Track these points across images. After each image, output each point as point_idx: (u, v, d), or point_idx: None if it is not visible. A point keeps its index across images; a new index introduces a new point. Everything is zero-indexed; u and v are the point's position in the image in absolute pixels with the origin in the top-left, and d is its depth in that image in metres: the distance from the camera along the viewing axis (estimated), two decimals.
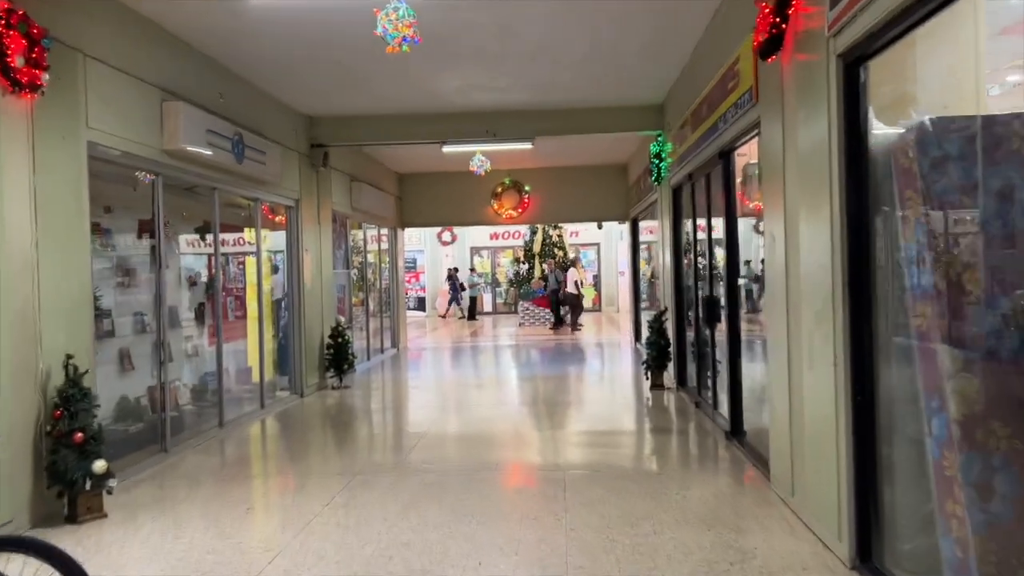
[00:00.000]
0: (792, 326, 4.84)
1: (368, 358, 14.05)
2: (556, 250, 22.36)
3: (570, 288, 20.91)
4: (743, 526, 4.72)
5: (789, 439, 4.96)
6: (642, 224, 15.60)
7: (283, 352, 10.60)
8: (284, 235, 10.42)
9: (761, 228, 6.40)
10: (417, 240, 28.23)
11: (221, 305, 8.37)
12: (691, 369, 9.72)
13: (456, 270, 26.94)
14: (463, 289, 26.69)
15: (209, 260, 8.49)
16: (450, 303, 26.84)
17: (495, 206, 16.59)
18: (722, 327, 7.50)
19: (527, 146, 11.12)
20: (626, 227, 27.56)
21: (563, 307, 21.03)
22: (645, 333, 15.54)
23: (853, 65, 3.89)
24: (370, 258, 14.84)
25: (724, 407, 7.48)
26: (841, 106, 3.96)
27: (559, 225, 22.71)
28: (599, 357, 15.32)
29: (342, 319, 11.45)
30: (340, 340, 11.07)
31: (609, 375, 12.46)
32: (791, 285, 4.85)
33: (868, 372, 3.93)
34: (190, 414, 8.17)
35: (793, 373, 4.87)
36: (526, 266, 22.38)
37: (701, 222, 8.42)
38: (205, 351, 8.86)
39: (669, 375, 10.12)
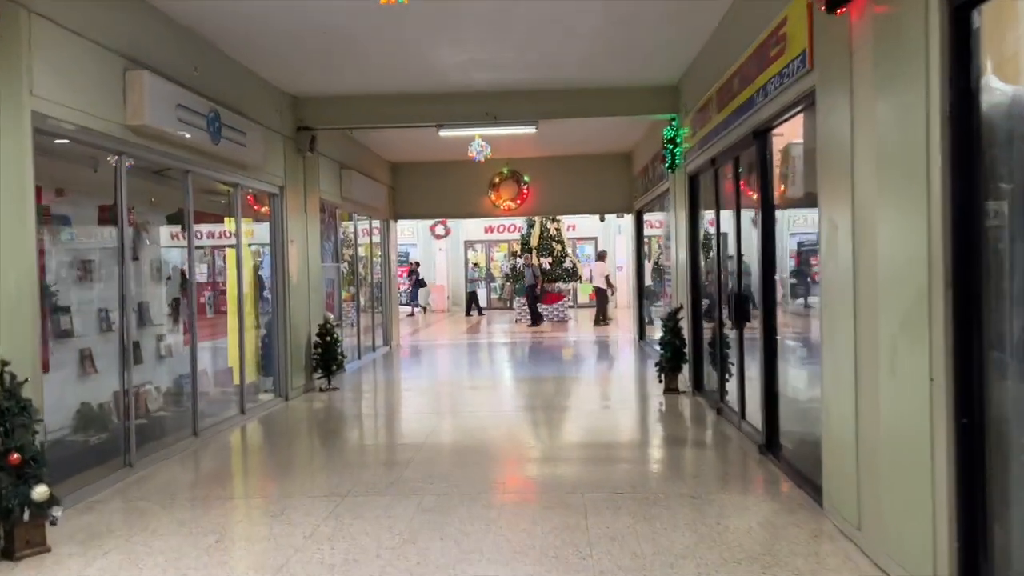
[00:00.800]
0: (862, 328, 4.09)
1: (359, 356, 13.26)
2: (554, 244, 21.59)
3: (598, 282, 20.58)
4: (803, 568, 3.98)
5: (854, 461, 4.22)
6: (647, 217, 14.86)
7: (267, 352, 9.81)
8: (268, 225, 9.62)
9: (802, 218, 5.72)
10: (410, 233, 27.40)
11: (195, 301, 7.55)
12: (708, 372, 8.98)
13: (418, 264, 26.35)
14: (422, 285, 26.07)
15: (188, 252, 7.68)
16: (411, 299, 25.64)
17: (492, 197, 15.79)
18: (753, 327, 6.76)
19: (530, 130, 10.35)
20: (626, 220, 26.98)
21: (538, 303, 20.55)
22: (651, 331, 14.88)
23: (963, 8, 3.13)
24: (361, 251, 14.04)
25: (754, 416, 6.74)
26: (946, 62, 3.20)
27: (557, 218, 21.94)
28: (602, 356, 14.58)
29: (331, 316, 10.66)
30: (328, 339, 10.28)
31: (616, 376, 11.72)
32: (861, 281, 4.09)
33: (976, 390, 3.19)
34: (161, 422, 7.36)
35: (862, 384, 4.12)
36: (522, 260, 21.60)
37: (727, 211, 7.68)
38: (181, 351, 8.08)
39: (684, 378, 9.38)
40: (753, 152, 6.32)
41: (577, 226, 25.90)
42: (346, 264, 13.03)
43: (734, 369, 7.19)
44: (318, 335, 10.29)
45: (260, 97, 8.96)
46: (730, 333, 7.58)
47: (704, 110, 7.97)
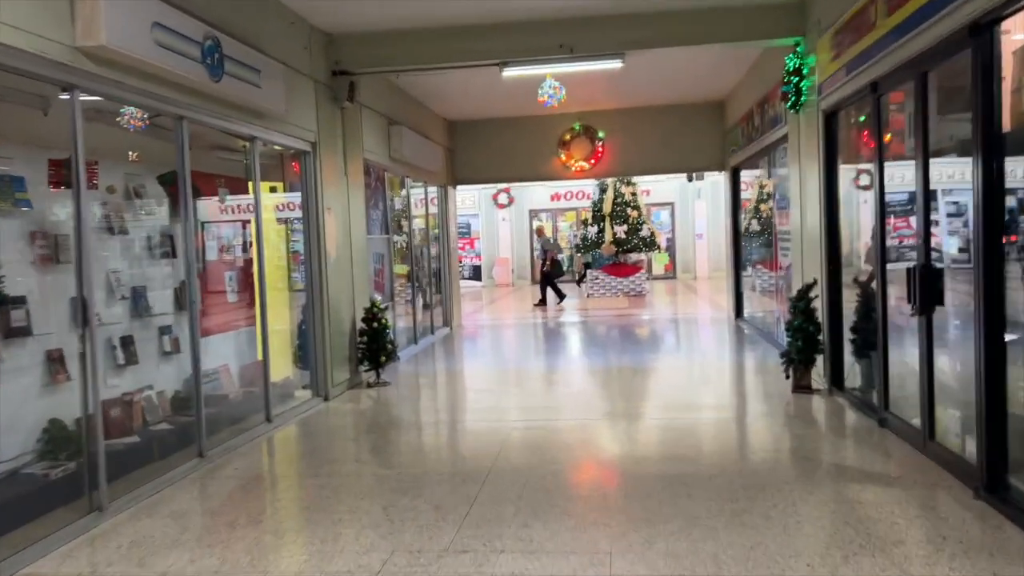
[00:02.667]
0: None
1: (416, 341, 11.64)
2: (630, 210, 19.54)
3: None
4: None
5: None
6: (745, 175, 12.74)
7: (304, 342, 8.24)
8: (299, 190, 7.98)
9: None
10: (471, 203, 25.71)
11: (194, 284, 5.94)
12: (852, 366, 7.00)
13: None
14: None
15: (184, 221, 6.07)
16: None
17: (563, 157, 13.89)
18: (947, 313, 4.79)
19: (616, 65, 8.38)
20: (706, 183, 24.67)
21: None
22: (749, 306, 12.84)
23: None
24: (416, 222, 12.36)
25: (949, 436, 4.79)
26: None
27: (631, 181, 19.86)
28: (695, 339, 12.61)
29: (378, 297, 8.99)
30: (376, 324, 8.62)
31: (721, 367, 9.74)
32: None
33: None
34: (159, 439, 5.83)
35: None
36: (595, 229, 19.65)
37: (897, 155, 5.66)
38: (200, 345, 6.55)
39: (818, 372, 7.41)
40: (967, 58, 4.28)
41: (652, 191, 23.75)
42: (400, 236, 11.37)
43: (920, 370, 5.19)
44: (364, 320, 8.66)
45: (282, 29, 7.26)
46: (905, 321, 5.59)
47: (859, 19, 5.90)
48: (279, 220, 8.19)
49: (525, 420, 6.95)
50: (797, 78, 7.71)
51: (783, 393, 7.33)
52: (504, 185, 25.17)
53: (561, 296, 17.67)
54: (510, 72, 8.44)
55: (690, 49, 9.21)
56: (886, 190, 5.84)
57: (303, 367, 8.25)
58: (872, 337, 6.36)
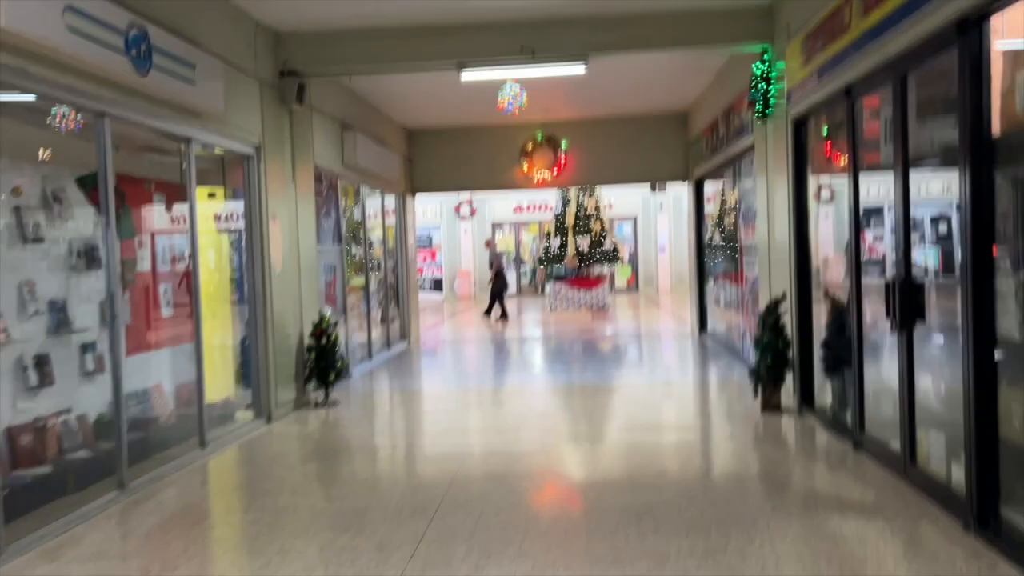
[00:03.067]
0: None
1: (370, 356, 11.13)
2: (593, 222, 19.26)
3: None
4: None
5: None
6: (709, 186, 12.51)
7: (247, 359, 7.71)
8: (241, 196, 7.48)
9: None
10: (432, 214, 25.26)
11: (118, 296, 5.41)
12: (822, 384, 6.71)
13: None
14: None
15: (105, 228, 5.54)
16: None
17: (525, 167, 13.53)
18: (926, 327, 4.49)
19: (579, 69, 8.03)
20: (668, 196, 24.50)
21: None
22: (713, 320, 12.58)
23: None
24: (373, 232, 11.87)
25: (941, 465, 4.48)
26: None
27: (594, 193, 19.60)
28: (659, 354, 12.30)
29: (329, 311, 8.50)
30: (326, 341, 8.13)
31: (686, 384, 9.43)
32: None
33: None
34: (75, 469, 5.27)
35: None
36: (557, 241, 19.32)
37: (873, 163, 5.38)
38: (123, 364, 6.02)
39: (787, 390, 7.11)
40: (952, 58, 3.99)
41: (615, 204, 23.53)
42: (353, 246, 10.88)
43: (899, 390, 4.88)
44: (312, 336, 8.16)
45: (223, 24, 6.77)
46: (882, 337, 5.31)
47: (832, 21, 5.63)
48: (222, 229, 7.67)
49: (483, 444, 6.52)
50: (765, 85, 7.45)
51: (751, 412, 7.01)
52: (467, 196, 24.79)
53: (504, 315, 17.35)
54: (469, 75, 8.05)
55: (655, 57, 8.98)
56: (860, 200, 5.56)
57: (246, 386, 7.72)
58: (844, 354, 6.06)
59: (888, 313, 4.77)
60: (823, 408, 6.66)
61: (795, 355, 6.95)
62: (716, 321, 12.26)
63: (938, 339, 4.77)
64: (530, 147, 13.49)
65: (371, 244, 11.71)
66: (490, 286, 17.56)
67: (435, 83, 10.09)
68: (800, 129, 6.86)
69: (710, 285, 12.60)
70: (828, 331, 6.54)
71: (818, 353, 6.76)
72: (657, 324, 16.08)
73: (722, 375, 9.31)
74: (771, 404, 6.97)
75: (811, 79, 6.21)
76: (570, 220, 19.23)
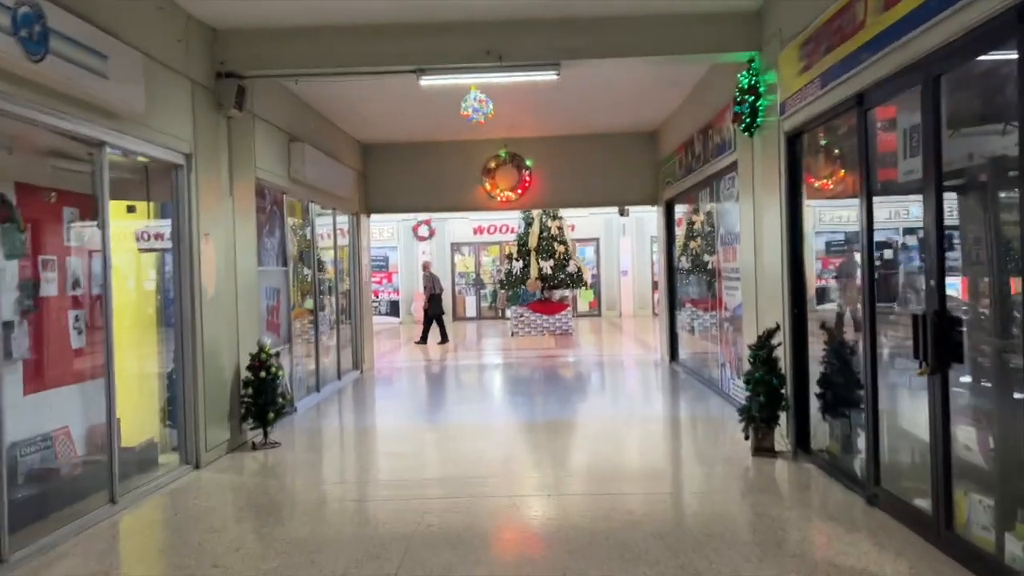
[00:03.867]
0: None
1: (318, 388, 10.21)
2: (556, 244, 18.60)
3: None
4: None
5: None
6: (681, 209, 11.91)
7: (174, 395, 6.78)
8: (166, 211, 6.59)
9: None
10: (389, 235, 24.38)
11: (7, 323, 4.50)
12: (818, 424, 6.05)
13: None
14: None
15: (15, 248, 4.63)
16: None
17: (487, 186, 12.81)
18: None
19: (550, 77, 7.32)
20: (632, 220, 23.98)
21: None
22: (684, 349, 11.91)
23: None
24: (324, 253, 11.00)
25: (986, 533, 3.80)
26: None
27: (558, 215, 18.97)
28: (630, 386, 11.59)
29: (268, 341, 7.59)
30: (265, 374, 7.23)
31: (663, 420, 8.71)
32: None
33: None
34: None
35: None
36: (520, 264, 18.61)
37: (891, 180, 4.75)
38: (21, 404, 5.12)
39: (780, 432, 6.42)
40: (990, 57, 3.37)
41: (577, 227, 22.93)
42: (300, 268, 9.99)
43: (932, 442, 4.19)
44: (249, 368, 7.26)
45: (146, 12, 5.92)
46: (899, 376, 4.65)
47: (840, 20, 5.02)
48: (147, 248, 6.75)
49: (443, 497, 5.68)
50: (752, 97, 6.84)
51: (741, 456, 6.31)
52: (425, 216, 23.98)
53: (444, 339, 16.73)
54: (428, 81, 7.29)
55: (629, 68, 8.37)
56: (873, 220, 4.92)
57: (173, 425, 6.78)
58: (849, 393, 5.41)
59: (917, 353, 4.10)
60: (822, 453, 5.99)
61: (790, 392, 6.29)
62: (688, 349, 11.62)
63: (979, 380, 4.12)
64: (493, 165, 12.79)
65: (322, 266, 10.83)
66: (423, 312, 17.02)
67: (392, 91, 9.34)
68: (794, 144, 6.25)
69: (681, 312, 11.97)
70: (827, 366, 5.89)
71: (815, 390, 6.11)
72: (624, 351, 15.40)
73: (699, 409, 8.62)
74: (763, 447, 6.27)
75: (811, 87, 5.59)
76: (533, 242, 18.53)
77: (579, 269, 18.85)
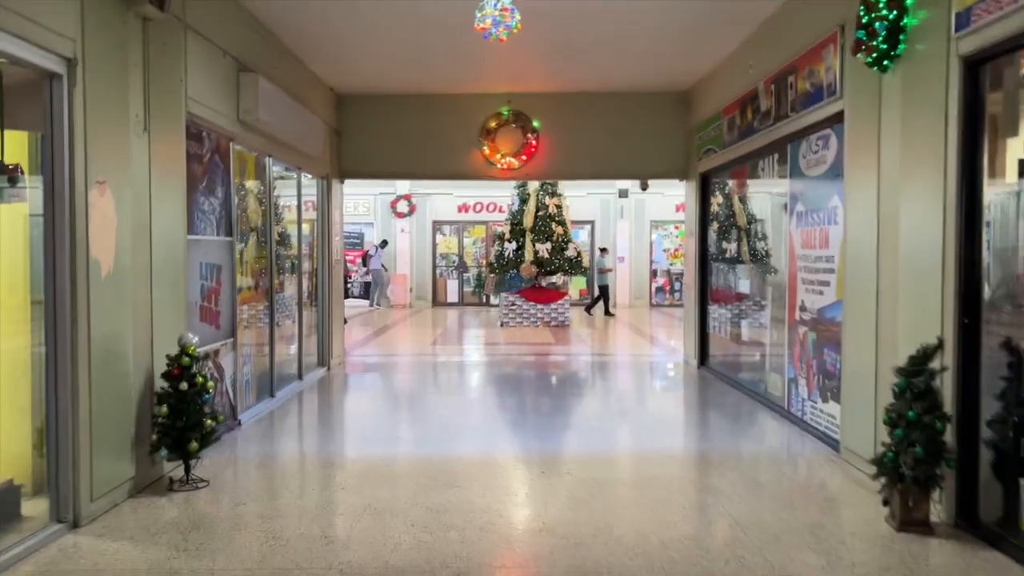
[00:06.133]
0: None
1: (272, 392, 8.09)
2: (554, 225, 16.53)
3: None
4: None
5: None
6: (723, 183, 9.91)
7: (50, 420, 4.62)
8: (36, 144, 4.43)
9: None
10: (365, 210, 22.15)
11: None
12: (985, 485, 4.08)
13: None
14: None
15: None
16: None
17: (486, 150, 10.71)
18: None
19: None
20: (631, 201, 21.93)
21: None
22: (717, 350, 9.81)
23: None
24: (286, 223, 8.83)
25: None
26: None
27: (557, 191, 16.90)
28: (658, 398, 9.57)
29: (194, 339, 5.41)
30: (188, 386, 5.09)
31: (723, 457, 6.59)
32: None
33: None
34: None
35: None
36: (513, 245, 16.52)
37: None
38: None
39: (941, 499, 4.44)
40: None
41: (571, 207, 20.86)
42: (252, 237, 7.83)
43: None
44: (165, 377, 5.12)
45: None
46: None
47: None
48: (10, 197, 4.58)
49: None
50: (893, 12, 4.80)
51: (879, 532, 4.31)
52: (405, 190, 21.78)
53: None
54: None
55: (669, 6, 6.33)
56: None
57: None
58: None
59: None
60: (991, 525, 4.04)
61: (953, 441, 4.31)
62: (724, 353, 9.65)
63: None
64: (494, 124, 10.69)
65: (283, 239, 8.67)
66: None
67: (374, 23, 7.21)
68: (977, 75, 4.23)
69: (718, 307, 9.99)
70: (1007, 401, 3.93)
71: (984, 435, 4.16)
72: (635, 350, 13.39)
73: (770, 441, 6.64)
74: (914, 519, 4.29)
75: None
76: (528, 221, 16.43)
77: (579, 253, 16.80)
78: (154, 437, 5.09)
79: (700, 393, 8.98)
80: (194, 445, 5.09)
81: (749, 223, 8.73)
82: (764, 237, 8.22)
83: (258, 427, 7.08)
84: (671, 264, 22.44)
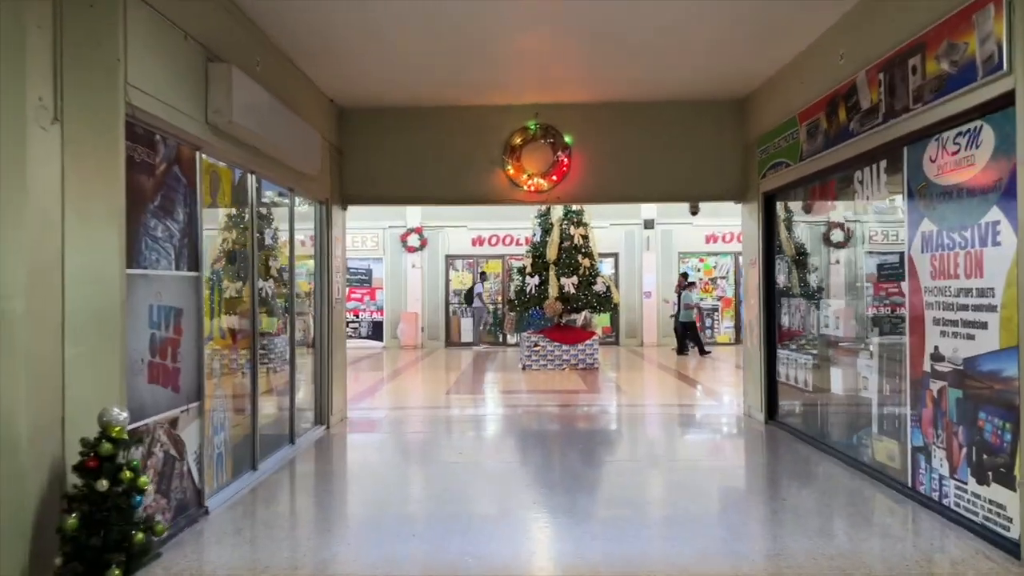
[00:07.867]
0: None
1: (255, 465, 6.50)
2: (580, 258, 14.99)
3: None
4: None
5: None
6: (794, 205, 8.37)
7: None
8: None
9: None
10: (373, 244, 20.72)
11: None
12: None
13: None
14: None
15: None
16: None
17: (510, 169, 9.24)
18: None
19: None
20: (657, 232, 20.39)
21: None
22: (789, 403, 8.09)
23: None
24: (276, 254, 7.33)
25: None
26: None
27: (583, 221, 15.40)
28: (728, 469, 7.88)
29: (120, 415, 3.85)
30: (109, 482, 3.53)
31: (813, 541, 4.99)
32: None
33: None
34: None
35: None
36: (535, 280, 14.98)
37: None
38: None
39: None
40: None
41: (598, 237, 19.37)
42: (226, 271, 6.33)
43: None
44: (78, 470, 3.56)
45: None
46: None
47: None
48: None
49: None
50: None
51: None
52: (416, 222, 20.37)
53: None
54: None
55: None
56: None
57: None
58: None
59: None
60: None
61: None
62: (803, 405, 8.02)
63: None
64: (519, 141, 9.23)
65: (276, 275, 7.17)
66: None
67: (379, 20, 5.81)
68: None
69: (791, 351, 8.37)
70: None
71: None
72: (680, 398, 11.72)
73: (918, 544, 4.97)
74: None
75: None
76: (552, 253, 14.90)
77: (608, 288, 15.23)
78: (58, 561, 3.52)
79: (775, 460, 7.31)
80: (115, 572, 3.51)
81: (838, 247, 7.16)
82: (856, 266, 6.65)
83: (231, 516, 5.49)
84: (701, 299, 20.80)
